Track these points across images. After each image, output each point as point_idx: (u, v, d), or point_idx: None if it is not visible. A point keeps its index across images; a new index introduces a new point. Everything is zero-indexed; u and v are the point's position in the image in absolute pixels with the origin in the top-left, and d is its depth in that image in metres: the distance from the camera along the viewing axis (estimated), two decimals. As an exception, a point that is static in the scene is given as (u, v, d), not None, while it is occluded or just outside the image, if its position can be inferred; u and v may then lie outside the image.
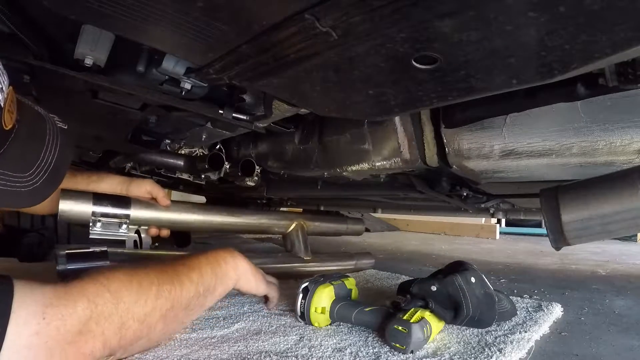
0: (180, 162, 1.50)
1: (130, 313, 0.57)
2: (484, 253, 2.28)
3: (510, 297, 1.01)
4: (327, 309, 0.82)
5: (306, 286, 0.84)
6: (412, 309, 0.76)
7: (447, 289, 0.80)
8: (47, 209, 0.93)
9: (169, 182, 2.01)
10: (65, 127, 0.59)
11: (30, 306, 0.48)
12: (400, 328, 0.70)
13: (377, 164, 0.99)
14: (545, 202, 0.73)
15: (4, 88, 0.47)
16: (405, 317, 0.72)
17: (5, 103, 0.46)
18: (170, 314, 0.63)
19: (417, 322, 0.71)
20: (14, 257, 1.38)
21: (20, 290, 0.49)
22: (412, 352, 0.69)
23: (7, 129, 0.47)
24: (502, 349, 0.73)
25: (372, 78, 0.59)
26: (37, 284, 0.52)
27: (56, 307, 0.49)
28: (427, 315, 0.76)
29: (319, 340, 0.75)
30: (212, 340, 0.73)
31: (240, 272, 0.78)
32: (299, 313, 0.83)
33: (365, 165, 1.02)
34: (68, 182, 0.94)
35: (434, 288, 0.80)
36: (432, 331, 0.75)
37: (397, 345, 0.70)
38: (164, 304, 0.61)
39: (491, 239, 3.11)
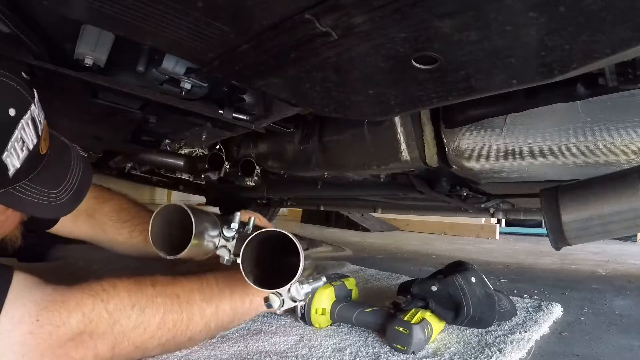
0: (180, 162, 1.50)
1: (125, 337, 0.56)
2: (484, 253, 2.28)
3: (510, 297, 1.01)
4: (328, 310, 0.82)
5: (306, 286, 0.84)
6: (412, 310, 0.76)
7: (447, 289, 0.80)
8: (70, 232, 0.90)
9: (169, 182, 2.01)
10: (85, 155, 0.69)
11: (26, 305, 0.50)
12: (401, 329, 0.70)
13: (377, 163, 0.99)
14: (545, 202, 0.73)
15: (41, 120, 0.56)
16: (406, 318, 0.72)
17: (42, 132, 0.56)
18: (171, 343, 0.62)
19: (418, 322, 0.71)
20: (14, 257, 1.38)
21: (20, 285, 0.51)
22: (413, 352, 0.69)
23: (42, 153, 0.57)
24: (502, 349, 0.72)
25: (372, 78, 0.59)
26: (38, 283, 0.53)
27: (50, 313, 0.51)
28: (428, 315, 0.76)
29: (319, 340, 0.75)
30: (212, 340, 0.73)
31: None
32: (299, 314, 0.83)
33: (365, 165, 1.02)
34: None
35: (434, 288, 0.80)
36: (433, 332, 0.75)
37: (399, 346, 0.70)
38: (164, 335, 0.60)
39: (491, 239, 3.11)
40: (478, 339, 0.78)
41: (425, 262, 1.85)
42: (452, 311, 0.79)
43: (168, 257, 0.66)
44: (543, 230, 3.00)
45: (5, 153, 0.50)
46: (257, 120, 0.95)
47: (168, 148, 1.39)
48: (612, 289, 1.32)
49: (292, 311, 0.88)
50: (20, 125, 0.52)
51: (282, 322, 0.85)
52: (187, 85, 0.76)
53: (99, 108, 0.87)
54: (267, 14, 0.47)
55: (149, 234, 0.67)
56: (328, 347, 0.72)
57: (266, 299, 0.62)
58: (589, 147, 0.72)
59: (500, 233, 3.27)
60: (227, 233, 0.69)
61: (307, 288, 0.63)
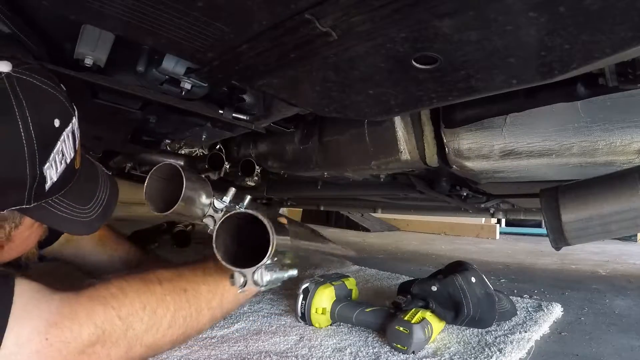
0: (180, 162, 1.50)
1: (139, 340, 0.56)
2: (484, 253, 2.28)
3: (510, 297, 1.01)
4: (328, 309, 0.82)
5: (307, 287, 0.84)
6: (413, 310, 0.76)
7: (447, 289, 0.80)
8: (57, 253, 0.88)
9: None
10: (110, 174, 0.69)
11: (33, 322, 0.47)
12: (401, 329, 0.70)
13: (377, 164, 0.99)
14: (545, 202, 0.73)
15: (78, 135, 0.56)
16: (406, 318, 0.72)
17: (78, 147, 0.56)
18: (181, 338, 0.63)
19: (419, 322, 0.71)
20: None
21: (25, 298, 0.48)
22: (413, 352, 0.69)
23: (76, 168, 0.57)
24: (502, 349, 0.72)
25: (372, 78, 0.59)
26: (43, 294, 0.51)
27: (60, 329, 0.48)
28: (428, 315, 0.76)
29: (319, 340, 0.75)
30: (212, 340, 0.73)
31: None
32: (299, 314, 0.83)
33: (365, 165, 1.02)
34: None
35: (434, 288, 0.80)
36: (433, 331, 0.75)
37: (399, 345, 0.70)
38: (175, 332, 0.60)
39: (491, 239, 3.11)
40: (478, 339, 0.78)
41: (425, 262, 1.85)
42: (452, 311, 0.79)
43: (156, 213, 0.66)
44: (543, 230, 3.01)
45: (47, 164, 0.49)
46: (257, 120, 0.95)
47: (168, 148, 1.39)
48: (612, 289, 1.32)
49: (292, 311, 0.88)
50: (62, 137, 0.51)
51: (282, 322, 0.85)
52: (187, 85, 0.76)
53: (99, 108, 0.87)
54: (267, 14, 0.47)
55: (144, 190, 0.66)
56: (328, 347, 0.72)
57: (231, 276, 0.62)
58: (589, 147, 0.72)
59: (500, 233, 3.27)
60: (218, 205, 0.70)
61: (269, 276, 0.63)
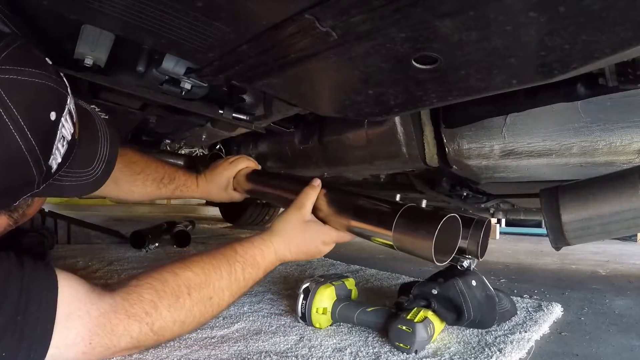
0: (180, 162, 1.50)
1: (166, 340, 0.64)
2: (484, 253, 2.27)
3: (510, 297, 1.01)
4: (329, 309, 0.81)
5: (307, 287, 0.84)
6: (415, 309, 0.76)
7: (448, 293, 0.79)
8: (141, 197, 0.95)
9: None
10: (107, 117, 0.66)
11: (78, 328, 0.54)
12: (404, 327, 0.70)
13: (377, 163, 0.99)
14: (545, 202, 0.73)
15: (74, 107, 0.53)
16: (408, 317, 0.72)
17: (75, 118, 0.54)
18: (197, 327, 0.69)
19: (421, 321, 0.71)
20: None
21: (66, 302, 0.53)
22: (416, 351, 0.69)
23: (76, 138, 0.56)
24: (502, 349, 0.72)
25: (372, 78, 0.59)
26: (83, 297, 0.56)
27: (101, 338, 0.56)
28: (430, 314, 0.75)
29: (319, 340, 0.75)
30: (212, 340, 0.73)
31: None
32: (299, 314, 0.83)
33: (365, 165, 1.02)
34: (151, 189, 0.95)
35: (434, 292, 0.80)
36: (435, 331, 0.74)
37: (401, 344, 0.70)
38: (195, 326, 0.67)
39: (491, 239, 3.11)
40: (478, 339, 0.78)
41: (425, 262, 1.84)
42: (453, 313, 0.79)
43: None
44: (543, 230, 3.01)
45: (51, 157, 0.50)
46: (257, 120, 0.95)
47: (168, 148, 1.39)
48: (612, 289, 1.32)
49: (292, 311, 0.88)
50: (60, 124, 0.50)
51: (282, 322, 0.85)
52: (187, 85, 0.76)
53: (99, 108, 0.87)
54: (267, 14, 0.47)
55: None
56: (328, 347, 0.72)
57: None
58: (589, 147, 0.72)
59: (500, 233, 3.27)
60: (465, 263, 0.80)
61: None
